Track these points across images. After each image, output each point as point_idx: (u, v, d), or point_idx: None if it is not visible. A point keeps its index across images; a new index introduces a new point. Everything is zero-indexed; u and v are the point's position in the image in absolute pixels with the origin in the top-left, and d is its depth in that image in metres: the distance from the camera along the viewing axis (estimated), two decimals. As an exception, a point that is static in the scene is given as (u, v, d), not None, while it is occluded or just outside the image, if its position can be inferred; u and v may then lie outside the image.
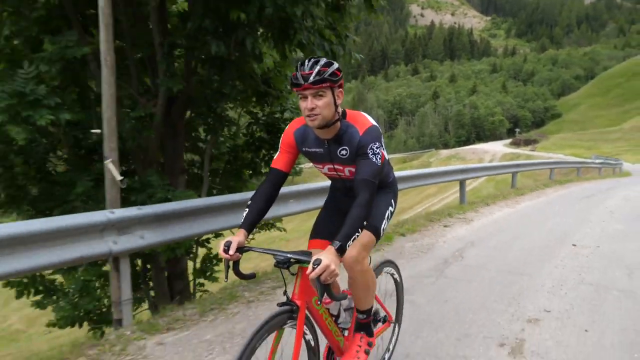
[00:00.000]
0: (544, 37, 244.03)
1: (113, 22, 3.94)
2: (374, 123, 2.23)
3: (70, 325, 5.44)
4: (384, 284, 2.97)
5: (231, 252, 1.99)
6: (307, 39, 4.51)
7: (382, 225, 2.43)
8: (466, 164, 15.47)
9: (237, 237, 2.06)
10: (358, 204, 1.99)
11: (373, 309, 2.59)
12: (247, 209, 2.20)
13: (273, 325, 1.93)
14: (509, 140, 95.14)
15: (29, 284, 5.27)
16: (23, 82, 3.79)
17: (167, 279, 6.03)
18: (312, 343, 2.19)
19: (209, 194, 6.54)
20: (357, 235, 2.08)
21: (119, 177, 3.81)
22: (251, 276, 2.12)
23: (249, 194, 4.39)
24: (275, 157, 2.34)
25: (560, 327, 3.64)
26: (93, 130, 4.19)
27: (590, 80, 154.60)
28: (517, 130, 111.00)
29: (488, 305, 4.07)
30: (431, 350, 3.19)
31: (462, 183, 10.36)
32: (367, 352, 2.52)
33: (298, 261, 1.97)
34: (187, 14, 5.46)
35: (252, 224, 2.18)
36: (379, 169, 2.12)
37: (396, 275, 3.02)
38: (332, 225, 2.41)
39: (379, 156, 2.12)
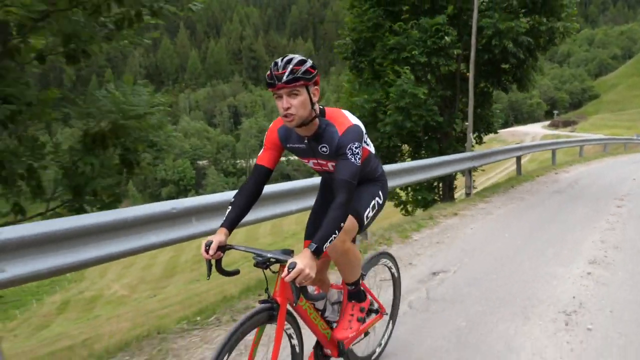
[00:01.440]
0: (579, 15, 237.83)
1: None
2: (355, 122, 2.25)
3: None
4: (380, 275, 3.13)
5: (211, 252, 2.04)
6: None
7: (366, 212, 2.47)
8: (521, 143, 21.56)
9: (217, 237, 2.09)
10: (335, 205, 2.04)
11: (366, 295, 2.66)
12: (229, 207, 2.22)
13: (252, 323, 1.97)
14: (547, 122, 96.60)
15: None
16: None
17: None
18: (297, 344, 2.26)
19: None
20: (335, 237, 2.02)
21: (473, 142, 10.07)
22: (235, 273, 2.16)
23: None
24: (259, 154, 2.35)
25: (637, 197, 9.29)
26: (466, 124, 10.29)
27: (628, 60, 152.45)
28: (556, 112, 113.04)
29: (602, 193, 9.80)
30: (588, 201, 8.84)
31: (554, 152, 16.21)
32: (360, 320, 2.58)
33: (277, 260, 2.00)
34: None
35: (233, 223, 2.20)
36: (358, 169, 2.14)
37: (393, 269, 3.03)
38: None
39: (359, 156, 2.14)
